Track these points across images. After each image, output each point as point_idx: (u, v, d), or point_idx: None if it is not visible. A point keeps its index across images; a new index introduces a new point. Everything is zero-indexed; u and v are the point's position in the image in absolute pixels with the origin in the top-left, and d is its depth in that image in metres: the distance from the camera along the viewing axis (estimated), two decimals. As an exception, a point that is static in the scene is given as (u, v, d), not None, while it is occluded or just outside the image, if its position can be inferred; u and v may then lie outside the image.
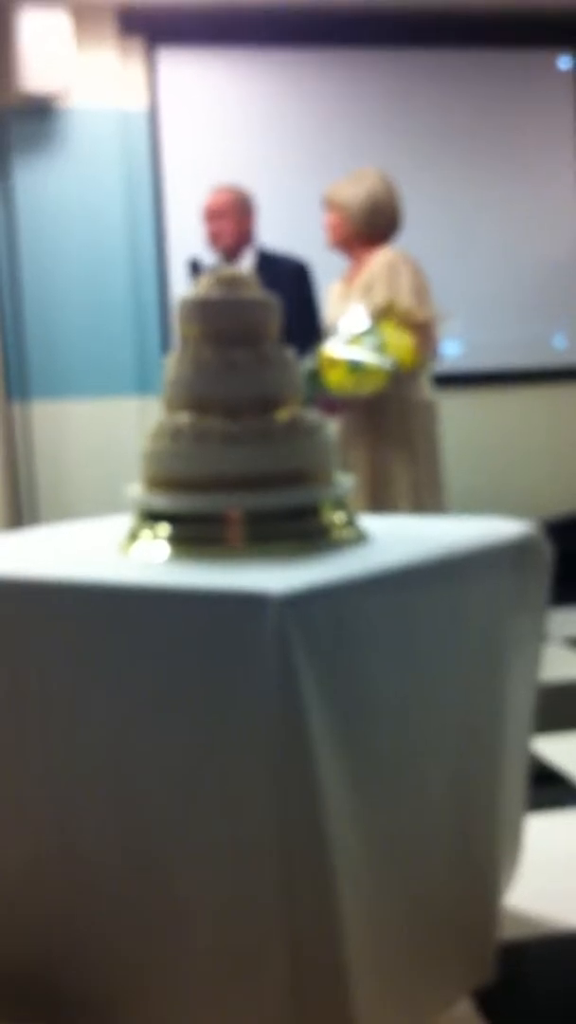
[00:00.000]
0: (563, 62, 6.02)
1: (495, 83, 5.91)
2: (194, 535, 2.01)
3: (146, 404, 5.29)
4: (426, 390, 3.96)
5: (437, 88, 5.84)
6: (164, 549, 2.02)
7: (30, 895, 2.01)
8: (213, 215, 4.60)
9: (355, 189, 3.98)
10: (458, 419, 5.24)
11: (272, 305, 2.18)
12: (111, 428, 5.43)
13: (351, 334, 3.57)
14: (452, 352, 5.80)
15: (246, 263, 4.58)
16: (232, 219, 4.56)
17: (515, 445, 6.02)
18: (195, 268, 3.58)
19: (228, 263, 4.50)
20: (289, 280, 4.35)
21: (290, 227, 4.78)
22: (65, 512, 5.05)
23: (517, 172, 5.97)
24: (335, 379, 3.52)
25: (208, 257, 4.57)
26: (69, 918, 1.97)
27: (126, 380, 5.50)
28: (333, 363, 3.50)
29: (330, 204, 4.05)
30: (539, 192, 6.02)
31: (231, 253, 4.58)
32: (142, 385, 5.41)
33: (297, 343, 3.73)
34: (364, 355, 3.51)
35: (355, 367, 3.50)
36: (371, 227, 3.99)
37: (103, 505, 2.92)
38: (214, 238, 4.60)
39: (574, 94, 6.02)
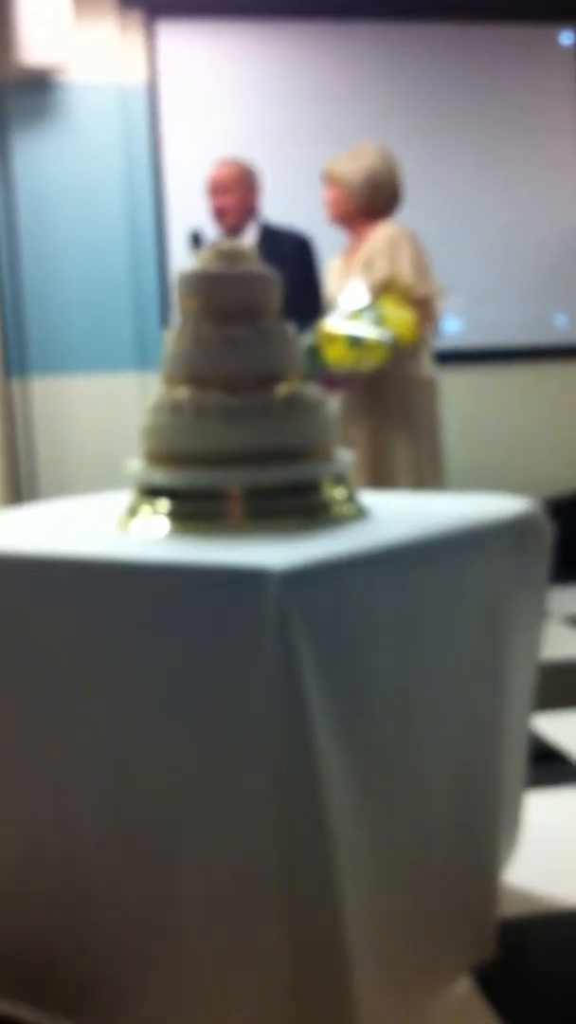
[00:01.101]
0: (566, 37, 5.98)
1: (497, 58, 5.87)
2: (194, 511, 2.00)
3: (146, 379, 5.27)
4: (427, 367, 3.94)
5: (439, 62, 5.80)
6: (164, 525, 2.00)
7: (29, 885, 2.01)
8: (217, 189, 4.57)
9: (354, 164, 3.96)
10: (459, 396, 5.23)
11: (272, 279, 2.17)
12: (111, 404, 5.41)
13: (351, 309, 3.55)
14: (454, 329, 5.78)
15: (249, 237, 4.55)
16: (236, 193, 4.53)
17: (516, 423, 6.00)
18: (196, 240, 3.55)
19: (231, 237, 4.47)
20: (292, 255, 4.32)
21: (291, 201, 4.74)
22: (64, 488, 5.04)
23: (519, 148, 5.93)
24: (335, 355, 3.50)
25: (209, 230, 4.54)
26: (68, 909, 1.96)
27: (126, 356, 5.48)
28: (332, 339, 3.49)
29: (329, 179, 4.03)
30: (541, 169, 5.99)
31: (235, 227, 4.55)
32: (142, 361, 5.39)
33: (299, 318, 3.70)
34: (364, 330, 3.50)
35: (355, 342, 3.49)
36: (371, 202, 3.96)
37: (103, 481, 2.91)
38: (218, 212, 4.57)
39: (577, 69, 5.99)
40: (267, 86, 5.65)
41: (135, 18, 5.50)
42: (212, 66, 5.60)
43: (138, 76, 5.51)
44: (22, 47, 5.10)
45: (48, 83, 5.33)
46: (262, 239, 4.51)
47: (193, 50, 5.58)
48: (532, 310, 6.05)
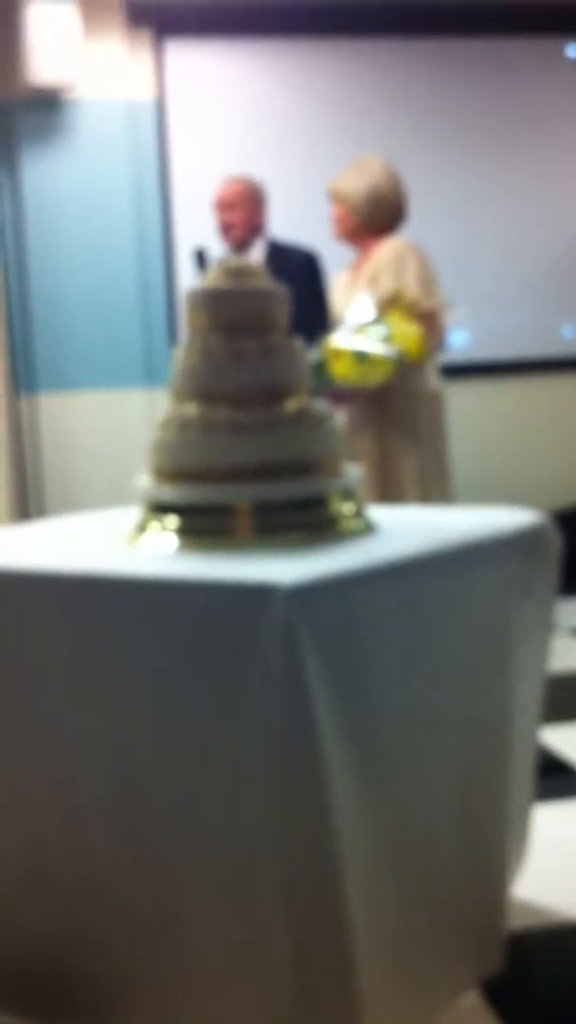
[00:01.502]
0: (572, 50, 5.99)
1: (504, 71, 5.88)
2: (202, 526, 2.01)
3: (153, 395, 5.29)
4: (433, 380, 3.95)
5: (446, 77, 5.82)
6: (172, 541, 2.02)
7: (33, 889, 2.01)
8: (224, 206, 4.59)
9: (357, 180, 3.98)
10: (466, 409, 5.24)
11: (280, 295, 2.18)
12: (118, 420, 5.42)
13: (357, 324, 3.56)
14: (460, 342, 5.79)
15: (256, 253, 4.57)
16: (243, 210, 4.56)
17: (523, 435, 6.00)
18: (200, 257, 3.57)
19: (238, 254, 4.49)
20: (299, 270, 4.34)
21: (298, 218, 4.76)
22: (72, 504, 5.05)
23: (526, 161, 5.95)
24: (341, 370, 3.51)
25: (216, 247, 4.56)
26: (72, 911, 1.97)
27: (133, 372, 5.49)
28: (338, 354, 3.50)
29: (334, 196, 4.05)
30: (548, 181, 6.00)
31: (242, 244, 4.57)
32: (149, 377, 5.41)
33: (306, 333, 3.72)
34: (370, 346, 3.51)
35: (361, 358, 3.50)
36: (375, 218, 3.98)
37: (111, 497, 2.92)
38: (225, 229, 4.59)
39: (582, 83, 6.00)
40: (275, 103, 5.67)
41: (143, 36, 5.52)
42: (220, 84, 5.63)
43: (146, 94, 5.54)
44: (31, 66, 5.14)
45: (57, 101, 5.36)
46: (269, 255, 4.53)
47: (201, 68, 5.61)
48: (538, 322, 6.06)
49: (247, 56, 5.63)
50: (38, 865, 2.00)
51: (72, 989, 1.98)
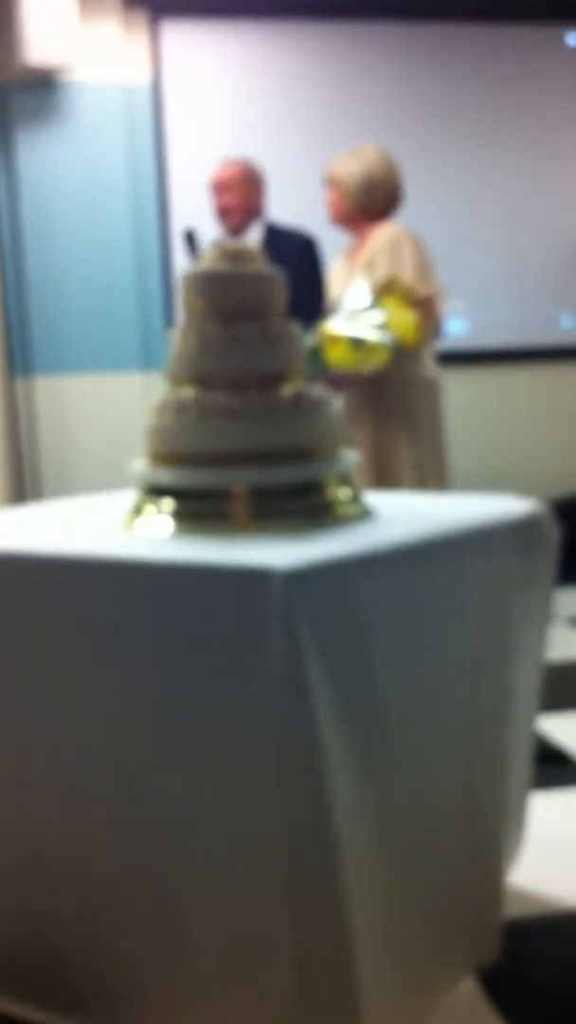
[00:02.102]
0: (572, 38, 5.97)
1: (504, 59, 5.87)
2: (198, 510, 1.99)
3: (150, 379, 5.27)
4: (430, 367, 3.94)
5: (444, 63, 5.80)
6: (168, 524, 2.00)
7: (35, 888, 2.01)
8: (221, 188, 4.56)
9: (351, 165, 3.96)
10: (463, 397, 5.23)
11: (277, 280, 2.16)
12: (115, 404, 5.40)
13: (353, 310, 3.54)
14: (458, 330, 5.77)
15: (253, 236, 4.55)
16: (240, 193, 4.53)
17: (521, 424, 6.00)
18: (190, 238, 3.54)
19: (234, 237, 4.46)
20: (296, 255, 4.32)
21: (295, 201, 4.74)
22: (69, 488, 5.04)
23: (524, 149, 5.93)
24: (336, 356, 3.50)
25: (212, 229, 4.53)
26: (75, 912, 1.96)
27: (130, 356, 5.48)
28: (334, 340, 3.48)
29: (328, 180, 4.03)
30: (546, 169, 5.98)
31: (238, 227, 4.54)
32: (146, 360, 5.40)
33: (303, 318, 3.69)
34: (365, 332, 3.49)
35: (357, 344, 3.48)
36: (369, 203, 3.96)
37: (107, 481, 2.90)
38: (222, 212, 4.56)
39: (582, 70, 5.98)
40: (272, 85, 5.65)
41: (139, 18, 5.50)
42: (216, 65, 5.60)
43: (142, 76, 5.51)
44: (26, 47, 5.10)
45: (52, 83, 5.33)
46: (267, 239, 4.51)
47: (197, 50, 5.58)
48: (536, 311, 6.05)
49: (244, 38, 5.60)
50: (42, 865, 1.99)
51: (75, 987, 1.98)
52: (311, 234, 4.47)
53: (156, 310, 5.51)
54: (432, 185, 5.56)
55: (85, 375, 5.47)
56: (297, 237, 4.51)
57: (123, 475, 2.20)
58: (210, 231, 4.44)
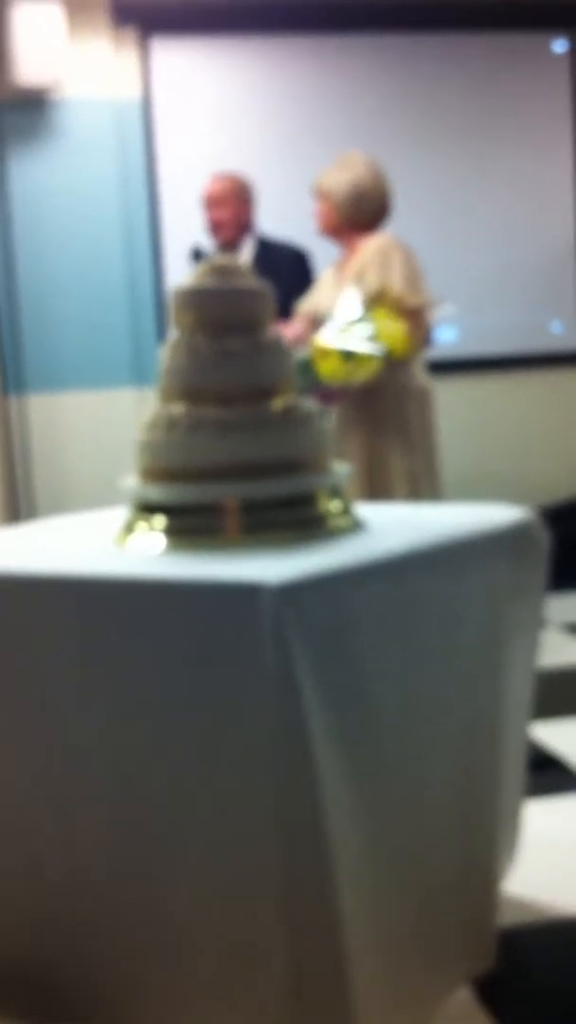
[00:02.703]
0: (558, 45, 6.00)
1: (491, 67, 5.89)
2: (190, 526, 2.00)
3: (143, 395, 5.28)
4: (421, 376, 3.95)
5: (433, 73, 5.82)
6: (160, 541, 2.01)
7: (31, 897, 2.01)
8: (212, 203, 4.60)
9: (339, 177, 3.97)
10: (455, 405, 5.23)
11: (266, 294, 2.18)
12: (108, 420, 5.42)
13: (343, 322, 3.56)
14: (449, 338, 5.79)
15: (245, 250, 4.57)
16: (231, 207, 4.56)
17: (512, 431, 6.01)
18: (198, 256, 3.58)
19: (227, 251, 4.49)
20: (288, 268, 4.35)
21: (286, 215, 4.76)
22: (63, 505, 5.05)
23: (513, 156, 5.95)
24: (327, 369, 3.51)
25: (206, 244, 4.56)
26: (70, 918, 1.97)
27: (122, 372, 5.49)
28: (325, 352, 3.50)
29: (317, 192, 4.05)
30: (535, 176, 6.00)
31: (230, 241, 4.57)
32: (139, 376, 5.41)
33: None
34: (355, 344, 3.51)
35: (347, 356, 3.50)
36: (357, 214, 3.97)
37: (101, 497, 2.92)
38: (214, 227, 4.59)
39: (569, 77, 6.01)
40: (261, 100, 5.68)
41: (129, 35, 5.52)
42: (206, 81, 5.63)
43: (133, 92, 5.54)
44: (17, 65, 5.13)
45: (43, 101, 5.36)
46: (259, 252, 4.54)
47: (187, 66, 5.61)
48: (527, 317, 6.07)
49: (233, 54, 5.63)
50: (35, 869, 2.00)
51: (71, 995, 1.98)
52: (303, 248, 4.50)
53: (148, 326, 5.53)
54: (421, 193, 5.58)
55: (78, 392, 5.49)
56: (289, 250, 4.54)
57: (117, 491, 2.21)
58: (209, 246, 4.47)
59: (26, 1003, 2.02)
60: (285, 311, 3.94)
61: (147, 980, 1.89)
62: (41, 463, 5.47)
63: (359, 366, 3.52)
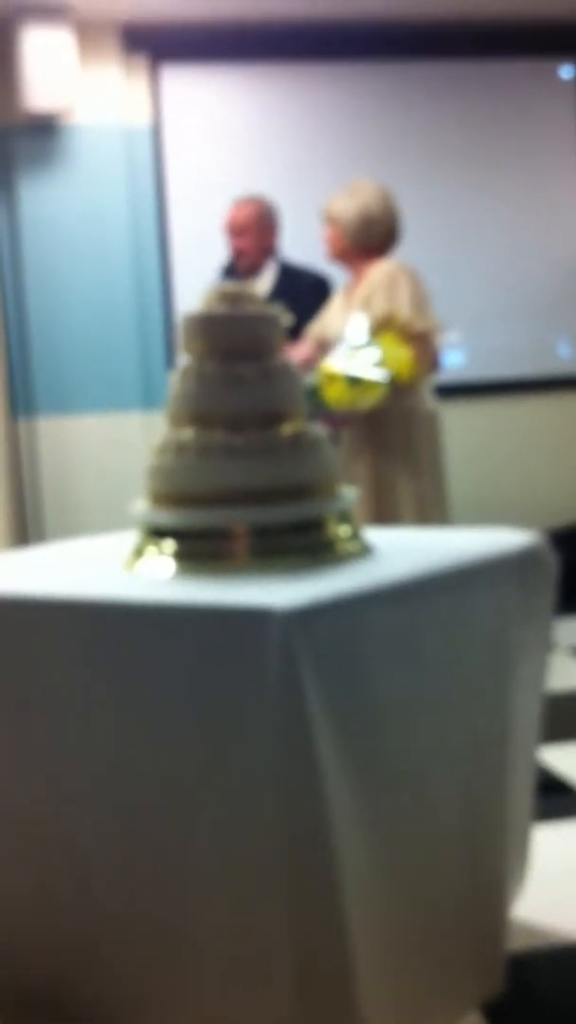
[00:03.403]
0: (566, 71, 6.03)
1: (498, 93, 5.92)
2: (199, 550, 2.02)
3: (151, 419, 5.30)
4: (428, 401, 3.96)
5: (441, 99, 5.85)
6: (169, 565, 2.02)
7: (39, 912, 2.02)
8: (235, 232, 4.60)
9: (348, 203, 3.99)
10: (462, 429, 5.25)
11: (275, 320, 2.19)
12: (116, 444, 5.43)
13: (350, 347, 3.57)
14: (456, 362, 5.80)
15: (268, 276, 4.58)
16: (254, 235, 4.57)
17: (520, 454, 6.01)
18: (230, 274, 3.59)
19: (249, 278, 4.51)
20: (309, 294, 4.36)
21: (295, 240, 4.79)
22: (71, 529, 5.05)
23: (520, 181, 5.98)
24: (334, 394, 3.52)
25: (213, 270, 4.58)
26: (78, 932, 1.98)
27: (131, 395, 5.51)
28: (332, 378, 3.51)
29: (326, 218, 4.07)
30: (542, 201, 6.03)
31: (252, 268, 4.58)
32: (147, 400, 5.43)
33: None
34: (362, 370, 3.52)
35: (353, 382, 3.51)
36: (366, 240, 3.99)
37: (109, 521, 2.93)
38: (237, 254, 4.60)
39: (576, 104, 6.04)
40: (270, 127, 5.71)
41: (139, 62, 5.56)
42: (216, 108, 5.67)
43: (143, 119, 5.57)
44: (28, 92, 5.17)
45: (54, 127, 5.39)
46: (280, 278, 4.55)
47: (197, 93, 5.65)
48: (534, 341, 6.08)
49: (243, 81, 5.67)
50: (43, 888, 2.00)
51: (76, 1001, 1.99)
52: (325, 274, 4.51)
53: (158, 350, 5.56)
54: (429, 218, 5.61)
55: (87, 415, 5.50)
56: (310, 276, 4.56)
57: (126, 515, 2.22)
58: (213, 272, 4.48)
59: (36, 1017, 2.02)
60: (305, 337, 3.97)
61: (154, 993, 1.90)
62: (50, 486, 5.48)
63: (365, 392, 3.53)
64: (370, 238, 4.00)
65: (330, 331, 3.99)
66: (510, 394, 6.01)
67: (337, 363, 3.55)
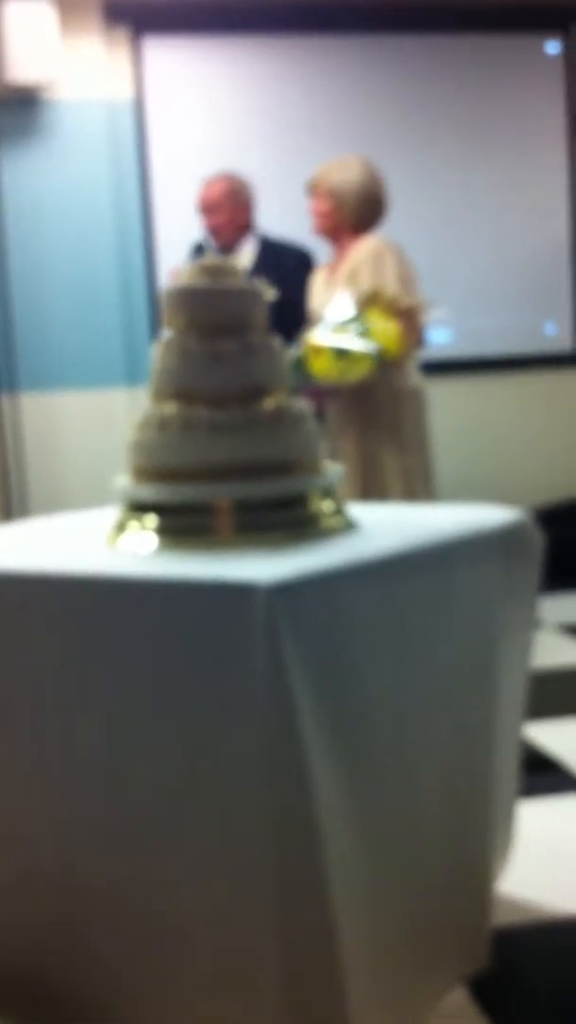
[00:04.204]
0: (551, 47, 6.01)
1: (484, 69, 5.90)
2: (182, 525, 2.00)
3: (136, 395, 5.28)
4: (414, 377, 3.95)
5: (426, 74, 5.82)
6: (152, 540, 2.01)
7: (25, 904, 2.01)
8: (207, 209, 4.55)
9: (347, 176, 3.95)
10: (449, 406, 5.25)
11: (257, 294, 2.17)
12: (101, 420, 5.42)
13: (336, 322, 3.55)
14: (442, 339, 5.79)
15: (247, 251, 4.55)
16: (227, 211, 4.52)
17: (506, 432, 6.02)
18: (200, 251, 3.54)
19: (226, 255, 4.47)
20: (292, 269, 4.33)
21: (278, 214, 4.76)
22: (56, 504, 5.04)
23: (506, 158, 5.96)
24: (320, 367, 3.50)
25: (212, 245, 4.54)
26: (65, 923, 1.96)
27: (115, 371, 5.49)
28: (318, 351, 3.49)
29: (321, 192, 4.00)
30: (528, 178, 6.01)
31: (229, 245, 4.54)
32: (132, 376, 5.41)
33: (298, 332, 3.69)
34: (349, 342, 3.50)
35: (340, 354, 3.49)
36: (362, 215, 3.97)
37: (94, 497, 2.91)
38: (212, 232, 4.56)
39: (563, 79, 6.01)
40: (254, 100, 5.67)
41: (121, 35, 5.52)
42: (198, 80, 5.63)
43: (125, 92, 5.53)
44: (9, 65, 5.13)
45: (35, 100, 5.35)
46: (262, 253, 4.51)
47: (179, 65, 5.61)
48: (520, 319, 6.07)
49: (225, 53, 5.63)
50: (28, 877, 1.99)
51: (66, 997, 1.97)
52: (307, 249, 4.48)
53: (141, 325, 5.53)
54: (414, 194, 5.59)
55: (71, 391, 5.49)
56: (293, 251, 4.52)
57: (110, 490, 2.21)
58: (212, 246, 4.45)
59: (24, 1007, 2.02)
60: (289, 312, 3.92)
61: (142, 984, 1.89)
62: (34, 462, 5.47)
63: (352, 364, 3.51)
64: (365, 214, 3.97)
65: (314, 306, 3.97)
66: (496, 372, 6.01)
67: (323, 336, 3.53)
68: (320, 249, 4.25)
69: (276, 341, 2.16)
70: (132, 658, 1.80)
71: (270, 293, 2.21)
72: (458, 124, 5.88)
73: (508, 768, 2.24)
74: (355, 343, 3.50)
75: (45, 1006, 2.00)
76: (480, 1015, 2.03)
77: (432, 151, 5.84)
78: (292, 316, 3.93)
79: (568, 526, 5.43)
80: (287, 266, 4.39)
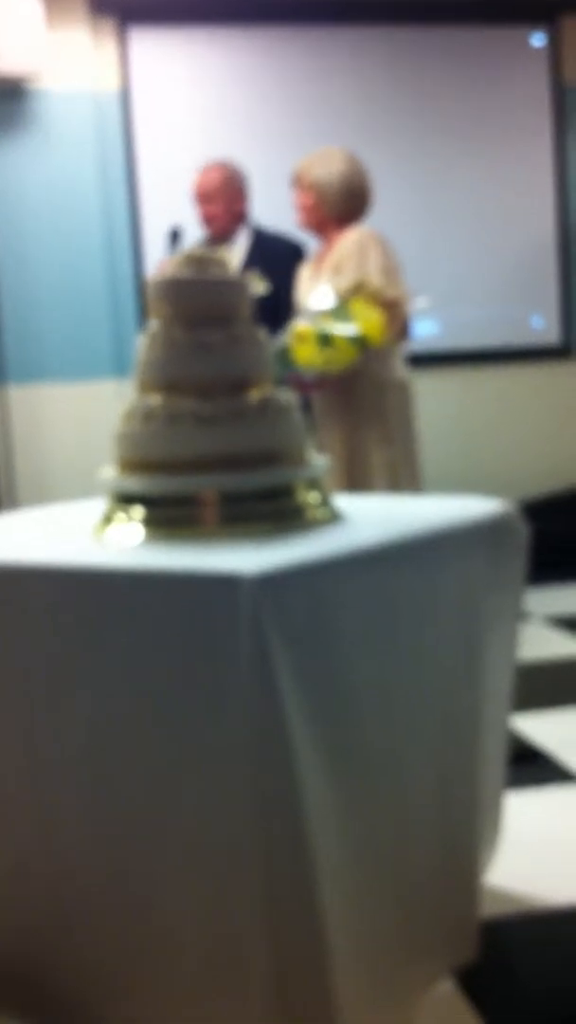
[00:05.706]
0: (537, 39, 6.00)
1: (470, 60, 5.89)
2: (168, 517, 1.99)
3: (123, 387, 5.25)
4: (400, 369, 3.94)
5: (412, 65, 5.81)
6: (138, 532, 2.00)
7: (13, 899, 2.00)
8: (203, 198, 4.53)
9: (330, 169, 3.94)
10: (435, 398, 5.25)
11: (243, 285, 2.16)
12: (88, 411, 5.41)
13: (320, 311, 3.54)
14: (429, 331, 5.79)
15: (240, 242, 4.53)
16: (223, 200, 4.50)
17: (491, 425, 6.02)
18: (175, 236, 3.50)
19: (219, 243, 4.45)
20: (284, 261, 4.31)
21: (265, 206, 4.75)
22: (43, 496, 5.04)
23: (492, 150, 5.95)
24: (304, 355, 3.49)
25: (193, 230, 4.50)
26: (52, 918, 1.96)
27: (103, 363, 5.48)
28: (302, 338, 3.48)
29: (304, 185, 3.99)
30: (515, 170, 6.01)
31: (223, 234, 4.52)
32: (119, 368, 5.40)
33: (289, 323, 3.66)
34: (332, 328, 3.49)
35: (324, 341, 3.48)
36: (345, 207, 3.96)
37: (81, 489, 2.91)
38: (206, 221, 4.54)
39: (548, 71, 6.01)
40: (239, 91, 5.66)
41: (107, 25, 5.50)
42: (184, 71, 5.61)
43: (111, 83, 5.51)
44: (-6, 56, 5.10)
45: (21, 91, 5.33)
46: (254, 244, 4.50)
47: (166, 57, 5.59)
48: (506, 311, 6.07)
49: (211, 44, 5.61)
50: (16, 872, 1.99)
51: (55, 992, 1.97)
52: (300, 241, 4.47)
53: (128, 317, 5.52)
54: (401, 186, 5.59)
55: (58, 383, 5.47)
56: (285, 243, 4.51)
57: (98, 482, 2.20)
58: (193, 230, 4.43)
59: (11, 1003, 2.01)
60: (280, 303, 3.91)
61: (131, 979, 1.88)
62: (21, 454, 5.45)
63: (337, 352, 3.50)
64: (350, 206, 3.96)
65: (299, 298, 3.96)
66: (483, 364, 6.01)
67: (306, 324, 3.52)
68: (312, 242, 4.24)
69: (262, 332, 2.15)
70: (119, 649, 1.80)
71: (262, 285, 2.20)
72: (444, 116, 5.87)
73: (495, 759, 2.24)
74: (338, 328, 3.49)
75: (32, 1002, 2.00)
76: (468, 1006, 2.04)
77: (418, 143, 5.83)
78: (284, 308, 3.92)
79: (554, 518, 5.45)
80: (280, 258, 4.37)
